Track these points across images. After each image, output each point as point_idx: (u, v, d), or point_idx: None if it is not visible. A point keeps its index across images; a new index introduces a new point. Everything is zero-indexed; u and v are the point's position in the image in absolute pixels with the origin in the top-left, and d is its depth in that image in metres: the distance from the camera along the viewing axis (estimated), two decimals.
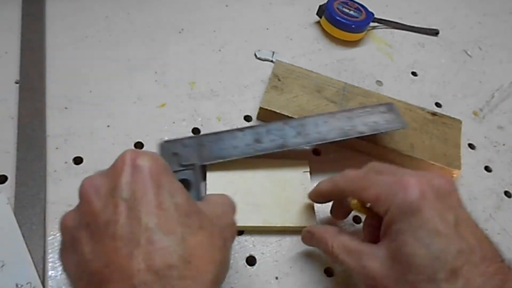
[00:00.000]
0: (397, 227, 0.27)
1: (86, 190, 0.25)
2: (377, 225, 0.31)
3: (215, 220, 0.27)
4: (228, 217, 0.30)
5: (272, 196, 0.38)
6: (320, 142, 0.40)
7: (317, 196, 0.37)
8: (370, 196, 0.30)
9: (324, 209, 0.39)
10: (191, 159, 0.38)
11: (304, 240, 0.36)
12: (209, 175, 0.39)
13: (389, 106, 0.43)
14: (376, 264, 0.28)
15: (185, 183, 0.36)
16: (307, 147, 0.43)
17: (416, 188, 0.28)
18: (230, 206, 0.31)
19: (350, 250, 0.30)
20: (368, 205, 0.32)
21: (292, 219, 0.38)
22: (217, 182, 0.39)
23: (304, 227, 0.36)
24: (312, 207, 0.38)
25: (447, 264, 0.25)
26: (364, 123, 0.41)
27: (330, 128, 0.41)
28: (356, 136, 0.41)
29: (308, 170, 0.41)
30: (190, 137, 0.40)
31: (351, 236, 0.32)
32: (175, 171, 0.37)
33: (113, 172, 0.25)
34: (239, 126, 0.44)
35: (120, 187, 0.24)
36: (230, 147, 0.39)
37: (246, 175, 0.39)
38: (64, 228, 0.25)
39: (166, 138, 0.39)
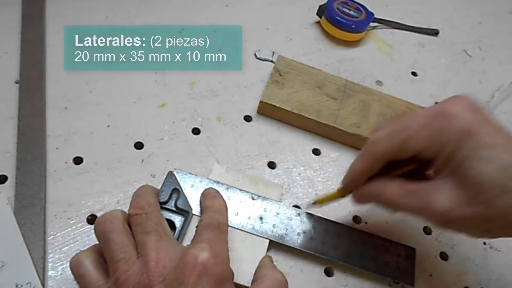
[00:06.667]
0: (459, 156, 0.26)
1: (152, 279, 0.25)
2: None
3: None
4: None
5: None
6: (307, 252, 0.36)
7: (355, 180, 0.32)
8: (421, 142, 0.28)
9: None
10: (189, 206, 0.35)
11: (358, 199, 0.32)
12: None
13: (410, 252, 0.37)
14: (445, 197, 0.26)
15: (171, 223, 0.34)
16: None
17: (463, 112, 0.26)
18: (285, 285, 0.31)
19: (410, 191, 0.28)
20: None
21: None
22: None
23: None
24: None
25: None
26: (373, 257, 0.36)
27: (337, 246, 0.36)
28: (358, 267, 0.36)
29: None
30: (201, 179, 0.37)
31: (404, 180, 0.29)
32: (166, 209, 0.34)
33: (183, 269, 0.26)
34: (239, 126, 0.44)
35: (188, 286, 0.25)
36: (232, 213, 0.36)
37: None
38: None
39: (177, 168, 0.37)
